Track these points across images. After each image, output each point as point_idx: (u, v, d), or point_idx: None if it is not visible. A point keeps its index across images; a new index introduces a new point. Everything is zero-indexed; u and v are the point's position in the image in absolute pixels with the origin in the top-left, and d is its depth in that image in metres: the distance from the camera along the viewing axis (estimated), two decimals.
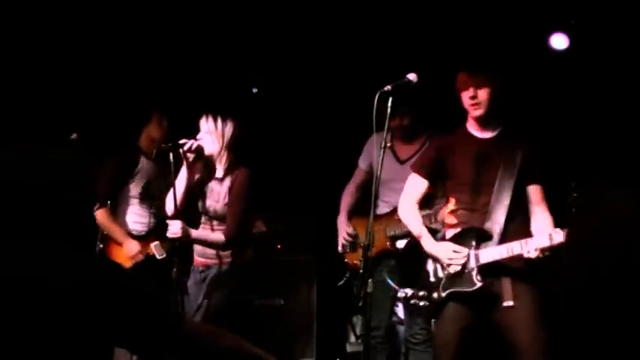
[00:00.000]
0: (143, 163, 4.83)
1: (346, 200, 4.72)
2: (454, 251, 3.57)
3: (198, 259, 4.18)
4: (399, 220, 4.10)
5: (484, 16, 5.25)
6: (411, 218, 3.82)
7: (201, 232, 4.11)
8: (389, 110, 3.32)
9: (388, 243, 4.42)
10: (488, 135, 3.66)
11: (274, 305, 5.61)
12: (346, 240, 4.62)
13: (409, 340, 4.49)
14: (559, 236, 3.35)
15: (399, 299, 4.33)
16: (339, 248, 4.68)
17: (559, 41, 5.40)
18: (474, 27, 5.29)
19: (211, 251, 4.10)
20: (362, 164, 4.69)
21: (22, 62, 5.28)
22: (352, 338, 5.65)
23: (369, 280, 3.26)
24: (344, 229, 4.64)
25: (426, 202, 4.07)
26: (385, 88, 3.30)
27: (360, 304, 3.32)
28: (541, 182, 3.69)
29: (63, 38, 5.31)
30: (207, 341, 1.84)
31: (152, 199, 4.77)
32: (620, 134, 4.81)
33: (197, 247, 4.17)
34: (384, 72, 3.58)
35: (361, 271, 3.33)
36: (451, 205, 3.70)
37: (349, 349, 5.64)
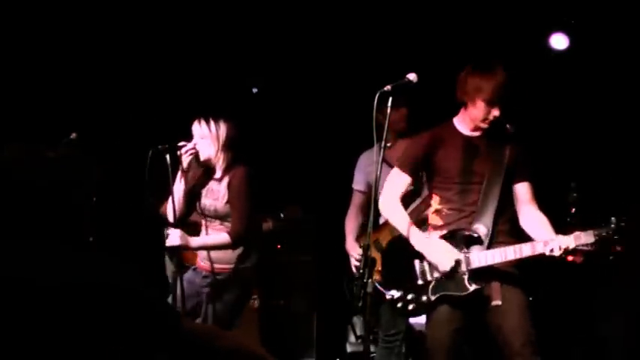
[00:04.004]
0: None
1: (350, 225, 4.66)
2: (445, 251, 3.45)
3: (202, 264, 4.08)
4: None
5: (484, 16, 5.25)
6: (396, 214, 3.58)
7: (202, 238, 4.02)
8: (389, 110, 3.30)
9: None
10: (476, 133, 3.57)
11: (274, 305, 5.61)
12: (359, 261, 4.54)
13: (381, 337, 4.54)
14: (589, 236, 3.29)
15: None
16: (354, 271, 4.56)
17: (559, 41, 5.41)
18: (474, 27, 5.30)
19: (217, 257, 4.01)
20: (356, 186, 4.65)
21: (22, 62, 5.29)
22: (352, 338, 5.65)
23: (370, 281, 3.25)
24: (354, 251, 4.56)
25: (409, 200, 4.05)
26: (385, 88, 3.28)
27: (360, 304, 3.30)
28: (530, 180, 3.58)
29: (63, 38, 5.32)
30: (207, 341, 1.83)
31: None
32: None
33: (204, 253, 4.08)
34: (384, 72, 3.57)
35: (361, 270, 3.31)
36: (435, 203, 3.59)
37: (349, 349, 5.64)
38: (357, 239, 4.60)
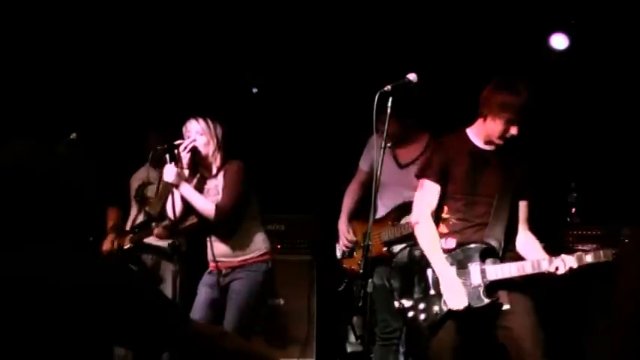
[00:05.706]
0: (144, 168, 5.13)
1: (347, 201, 4.68)
2: (459, 292, 3.43)
3: (221, 262, 4.09)
4: (394, 226, 4.07)
5: (484, 16, 5.25)
6: (429, 237, 3.53)
7: (194, 192, 4.00)
8: (389, 110, 3.31)
9: (384, 249, 4.36)
10: (488, 147, 3.58)
11: (274, 305, 5.61)
12: (346, 247, 4.59)
13: (378, 335, 4.52)
14: (589, 257, 3.38)
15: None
16: (338, 253, 4.64)
17: (559, 41, 5.41)
18: (474, 27, 5.29)
19: (235, 252, 4.07)
20: (363, 165, 4.64)
21: (23, 62, 5.29)
22: (352, 338, 5.65)
23: (370, 281, 3.25)
24: (344, 234, 4.60)
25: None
26: (385, 88, 3.28)
27: (360, 304, 3.30)
28: (530, 199, 3.63)
29: (63, 38, 5.32)
30: (212, 341, 1.83)
31: (143, 200, 5.12)
32: None
33: (217, 251, 4.09)
34: (384, 72, 3.57)
35: (361, 271, 3.31)
36: (444, 213, 3.58)
37: (349, 349, 5.65)
38: (350, 221, 4.62)
